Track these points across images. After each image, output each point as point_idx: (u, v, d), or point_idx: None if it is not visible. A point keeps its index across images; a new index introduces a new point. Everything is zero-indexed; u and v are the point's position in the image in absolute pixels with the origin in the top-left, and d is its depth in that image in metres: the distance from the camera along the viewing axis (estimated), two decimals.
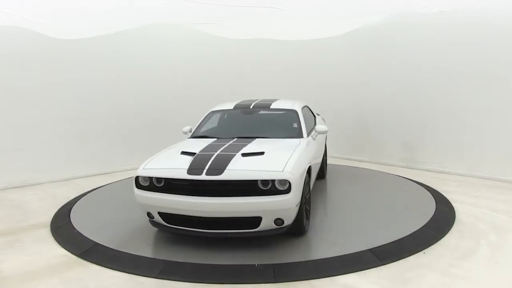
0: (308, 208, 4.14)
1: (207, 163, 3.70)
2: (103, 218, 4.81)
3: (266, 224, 3.55)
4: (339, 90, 8.32)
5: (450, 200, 5.10)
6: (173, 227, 3.79)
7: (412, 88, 7.23)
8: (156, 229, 4.23)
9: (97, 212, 5.04)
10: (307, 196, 4.12)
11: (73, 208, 5.13)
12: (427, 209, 4.68)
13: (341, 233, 4.13)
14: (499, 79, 6.11)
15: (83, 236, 4.12)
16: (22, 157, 6.49)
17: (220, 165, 3.64)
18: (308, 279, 3.12)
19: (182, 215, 3.64)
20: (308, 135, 4.78)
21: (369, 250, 3.56)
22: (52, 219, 4.78)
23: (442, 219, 4.42)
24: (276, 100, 5.55)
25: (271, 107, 5.25)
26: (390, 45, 7.53)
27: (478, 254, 3.51)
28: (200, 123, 5.29)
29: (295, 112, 5.06)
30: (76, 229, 4.32)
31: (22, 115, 6.52)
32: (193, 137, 5.02)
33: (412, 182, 6.12)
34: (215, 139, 4.66)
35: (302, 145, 4.31)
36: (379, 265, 3.32)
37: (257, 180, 3.47)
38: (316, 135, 4.96)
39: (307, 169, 3.94)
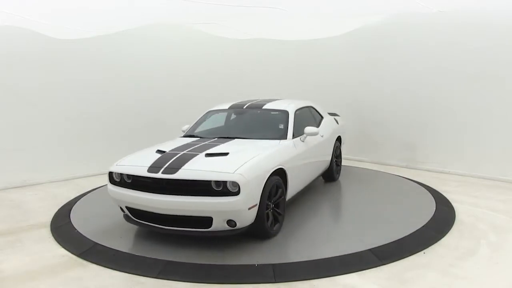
0: (279, 211, 4.05)
1: (167, 162, 3.82)
2: (103, 218, 4.80)
3: (218, 224, 3.58)
4: (339, 90, 8.31)
5: (450, 200, 5.11)
6: (139, 221, 3.96)
7: (412, 88, 7.23)
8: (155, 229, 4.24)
9: (97, 212, 5.04)
10: (280, 199, 4.05)
11: (73, 208, 5.13)
12: (427, 209, 4.68)
13: (341, 233, 4.13)
14: (499, 79, 6.11)
15: (83, 236, 4.12)
16: (22, 157, 6.48)
17: (177, 165, 3.73)
18: (308, 279, 3.12)
19: (144, 210, 3.80)
20: (295, 136, 4.69)
21: (369, 250, 3.56)
22: (52, 219, 4.77)
23: (442, 219, 4.42)
24: (274, 100, 5.53)
25: (264, 107, 5.22)
26: (390, 45, 7.52)
27: (478, 254, 3.52)
28: (196, 122, 5.40)
29: (286, 113, 4.96)
30: (76, 229, 4.32)
31: (22, 115, 6.51)
32: (184, 136, 5.11)
33: (412, 182, 6.12)
34: (198, 138, 4.80)
35: (278, 147, 4.27)
36: (379, 265, 3.32)
37: (210, 181, 3.50)
38: (305, 137, 4.77)
39: (272, 171, 3.81)
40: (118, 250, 3.72)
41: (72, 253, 3.76)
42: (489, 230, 4.10)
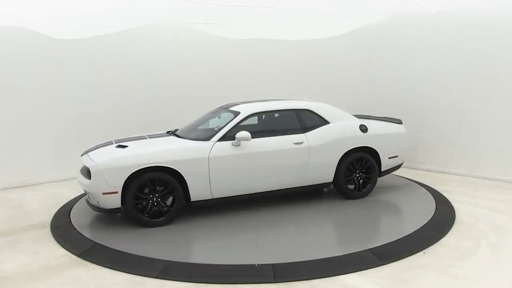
0: (170, 207, 4.39)
1: (94, 148, 4.79)
2: (103, 218, 4.81)
3: (92, 201, 4.44)
4: (339, 90, 8.32)
5: (450, 200, 5.11)
6: None
7: (412, 88, 7.23)
8: (155, 229, 4.27)
9: (97, 212, 5.04)
10: (173, 195, 4.38)
11: (73, 208, 5.14)
12: (427, 209, 4.68)
13: (341, 233, 4.13)
14: (499, 79, 6.11)
15: (83, 236, 4.13)
16: (22, 157, 6.49)
17: (91, 150, 4.70)
18: (308, 279, 3.13)
19: None
20: (227, 140, 4.56)
21: (369, 250, 3.56)
22: (52, 219, 4.78)
23: (442, 219, 4.42)
24: (258, 101, 5.35)
25: (230, 108, 5.14)
26: (390, 45, 7.53)
27: (478, 254, 3.52)
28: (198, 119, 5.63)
29: (237, 114, 4.83)
30: (76, 229, 4.32)
31: (22, 115, 6.52)
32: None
33: (412, 182, 6.12)
34: (162, 132, 5.34)
35: (176, 147, 4.48)
36: (379, 265, 3.32)
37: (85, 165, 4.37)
38: (239, 142, 4.54)
39: (144, 167, 4.19)
40: (118, 250, 3.72)
41: (72, 253, 3.76)
42: (489, 230, 4.10)
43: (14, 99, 6.45)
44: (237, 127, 4.68)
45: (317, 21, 7.62)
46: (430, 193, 5.42)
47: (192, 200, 4.51)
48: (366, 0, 6.21)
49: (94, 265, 3.49)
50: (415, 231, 3.99)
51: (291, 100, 5.49)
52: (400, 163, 5.65)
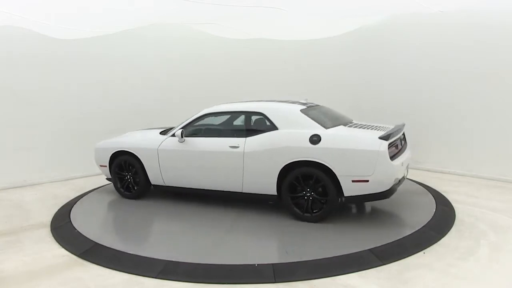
0: (137, 186, 5.39)
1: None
2: (103, 218, 4.82)
3: None
4: (339, 90, 8.32)
5: (450, 200, 5.11)
6: None
7: (412, 88, 7.23)
8: (155, 229, 4.26)
9: (97, 212, 5.05)
10: (138, 175, 5.33)
11: (73, 208, 5.14)
12: (427, 209, 4.68)
13: (341, 233, 4.12)
14: (499, 79, 6.11)
15: (83, 236, 4.12)
16: (22, 157, 6.49)
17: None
18: (308, 279, 3.13)
19: None
20: (175, 136, 5.01)
21: (369, 250, 3.56)
22: (52, 219, 4.78)
23: (442, 219, 4.42)
24: (240, 102, 5.32)
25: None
26: (390, 45, 7.53)
27: (478, 254, 3.52)
28: None
29: (198, 113, 5.14)
30: (76, 229, 4.32)
31: (22, 115, 6.52)
32: None
33: (412, 182, 6.12)
34: (160, 127, 6.09)
35: (136, 136, 5.56)
36: (379, 265, 3.32)
37: None
38: (181, 139, 4.89)
39: (116, 150, 5.43)
40: (118, 250, 3.72)
41: (72, 253, 3.77)
42: (489, 230, 4.10)
43: (14, 99, 6.46)
44: (192, 126, 5.07)
45: (316, 21, 7.62)
46: (430, 193, 5.42)
47: (152, 183, 5.31)
48: (366, 0, 6.21)
49: (94, 265, 3.49)
50: (415, 231, 3.99)
51: (258, 101, 5.04)
52: (378, 191, 4.05)
